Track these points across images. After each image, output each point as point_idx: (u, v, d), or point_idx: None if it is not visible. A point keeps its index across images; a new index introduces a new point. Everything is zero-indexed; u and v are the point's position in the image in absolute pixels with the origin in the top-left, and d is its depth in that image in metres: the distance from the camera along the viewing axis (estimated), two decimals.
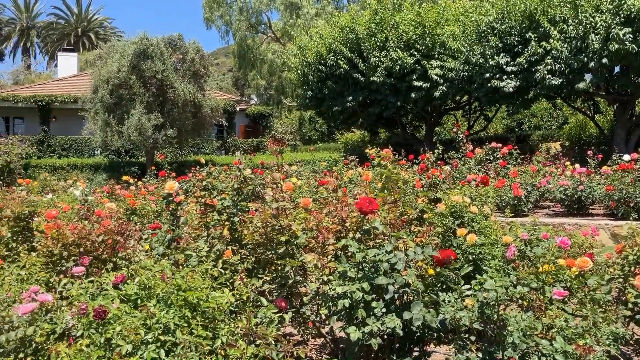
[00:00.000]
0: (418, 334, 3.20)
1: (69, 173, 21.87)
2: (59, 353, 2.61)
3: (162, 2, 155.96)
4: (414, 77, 18.57)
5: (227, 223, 4.31)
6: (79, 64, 38.30)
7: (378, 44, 18.92)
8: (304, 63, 21.45)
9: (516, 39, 16.04)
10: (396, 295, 3.06)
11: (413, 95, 18.80)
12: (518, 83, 15.96)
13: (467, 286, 3.25)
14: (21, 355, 2.91)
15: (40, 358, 2.86)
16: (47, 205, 7.09)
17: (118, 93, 20.73)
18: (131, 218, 6.55)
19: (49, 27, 61.29)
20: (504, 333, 2.89)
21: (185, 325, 2.69)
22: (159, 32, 58.47)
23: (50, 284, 4.06)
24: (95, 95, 21.18)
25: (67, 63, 36.34)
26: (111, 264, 4.34)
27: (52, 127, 28.46)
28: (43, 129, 27.88)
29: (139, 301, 2.91)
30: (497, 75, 16.26)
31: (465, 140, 12.73)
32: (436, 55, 18.77)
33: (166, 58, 21.40)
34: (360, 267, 3.17)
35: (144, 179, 12.57)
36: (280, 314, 3.11)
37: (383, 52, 18.74)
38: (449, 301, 3.17)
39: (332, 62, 19.94)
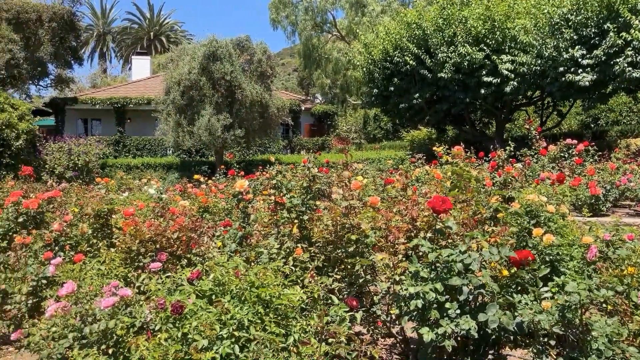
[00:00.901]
0: (493, 336, 3.10)
1: (143, 172, 22.75)
2: (138, 346, 2.70)
3: (229, 4, 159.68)
4: (484, 72, 18.10)
5: (296, 221, 4.34)
6: (151, 66, 39.76)
7: (446, 39, 18.55)
8: (370, 60, 21.34)
9: (593, 30, 15.29)
10: (471, 297, 2.98)
11: (482, 91, 18.33)
12: (595, 77, 15.22)
13: (545, 288, 3.12)
14: (103, 346, 3.03)
15: (120, 350, 2.98)
16: (124, 203, 7.38)
17: (189, 94, 21.34)
18: (203, 215, 6.72)
19: (123, 32, 64.13)
20: (588, 338, 2.75)
21: (259, 321, 2.72)
22: (227, 34, 59.90)
23: (129, 279, 4.23)
24: (168, 96, 21.90)
25: (141, 66, 37.82)
26: (185, 260, 4.46)
27: (127, 128, 29.67)
28: (119, 129, 29.11)
29: (213, 297, 2.97)
30: (572, 69, 15.58)
31: (538, 136, 12.27)
32: (507, 50, 18.22)
33: (234, 59, 21.82)
34: (433, 267, 3.11)
35: (213, 178, 12.89)
36: (352, 312, 3.09)
37: (451, 48, 18.36)
38: (526, 303, 3.05)
39: (398, 59, 19.71)
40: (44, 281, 4.54)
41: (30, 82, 32.42)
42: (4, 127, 17.97)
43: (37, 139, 20.69)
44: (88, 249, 5.18)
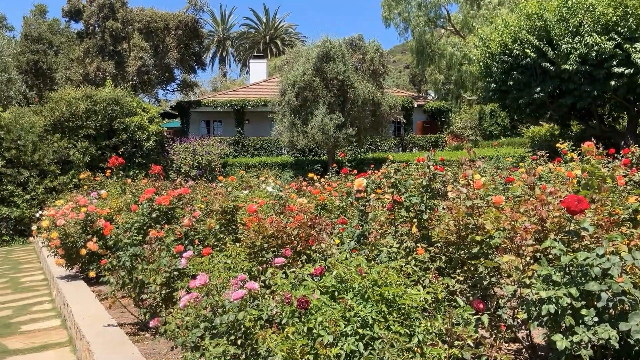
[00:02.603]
0: (636, 348, 2.85)
1: (260, 171, 23.61)
2: (265, 339, 2.78)
3: (341, 3, 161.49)
4: (614, 63, 16.74)
5: (415, 220, 4.28)
6: (267, 69, 41.17)
7: (570, 29, 17.41)
8: (487, 54, 20.56)
9: None
10: (610, 304, 2.77)
11: (612, 83, 16.97)
12: None
13: None
14: (232, 337, 3.17)
15: (248, 342, 3.10)
16: (244, 200, 7.70)
17: (303, 95, 21.84)
18: (320, 213, 6.84)
19: (241, 37, 67.11)
20: None
21: (382, 320, 2.71)
22: (340, 34, 60.59)
23: (252, 273, 4.40)
24: (283, 98, 22.56)
25: (258, 69, 39.31)
26: (305, 256, 4.56)
27: (246, 129, 30.97)
28: (238, 130, 30.46)
29: (336, 293, 3.00)
30: None
31: None
32: None
33: (347, 59, 22.00)
34: (566, 270, 2.92)
35: (326, 176, 13.06)
36: (477, 315, 2.99)
37: (576, 38, 17.20)
38: None
39: (518, 52, 18.81)
40: (176, 273, 4.84)
41: (159, 87, 34.94)
42: (136, 130, 19.51)
43: (165, 140, 22.24)
44: (215, 243, 5.46)
